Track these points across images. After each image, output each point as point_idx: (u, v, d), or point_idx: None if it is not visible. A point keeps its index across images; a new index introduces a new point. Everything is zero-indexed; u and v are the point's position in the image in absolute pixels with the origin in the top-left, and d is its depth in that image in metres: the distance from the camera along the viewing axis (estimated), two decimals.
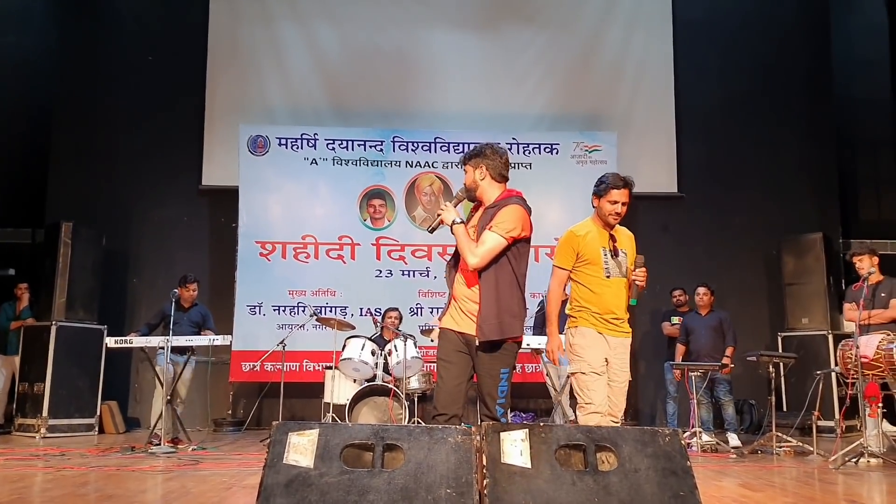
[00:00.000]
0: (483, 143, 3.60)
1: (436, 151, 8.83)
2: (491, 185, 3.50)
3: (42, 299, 7.82)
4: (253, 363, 8.14)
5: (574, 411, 4.40)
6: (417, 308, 8.47)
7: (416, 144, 8.87)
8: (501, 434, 2.60)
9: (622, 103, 9.37)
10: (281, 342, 7.15)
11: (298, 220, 8.71)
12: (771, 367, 6.41)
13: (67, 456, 5.76)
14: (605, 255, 3.72)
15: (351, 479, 2.48)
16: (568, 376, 6.66)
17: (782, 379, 7.83)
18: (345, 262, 8.65)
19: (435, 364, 3.56)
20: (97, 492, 4.17)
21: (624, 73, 9.41)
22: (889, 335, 5.57)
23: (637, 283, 3.70)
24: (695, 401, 6.61)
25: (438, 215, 3.50)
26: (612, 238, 3.77)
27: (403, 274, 8.58)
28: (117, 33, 9.30)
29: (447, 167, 8.75)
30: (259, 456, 5.61)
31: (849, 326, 7.29)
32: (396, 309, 7.46)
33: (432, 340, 6.74)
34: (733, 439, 6.65)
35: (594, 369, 3.66)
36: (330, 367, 7.02)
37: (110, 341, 6.42)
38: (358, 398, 6.66)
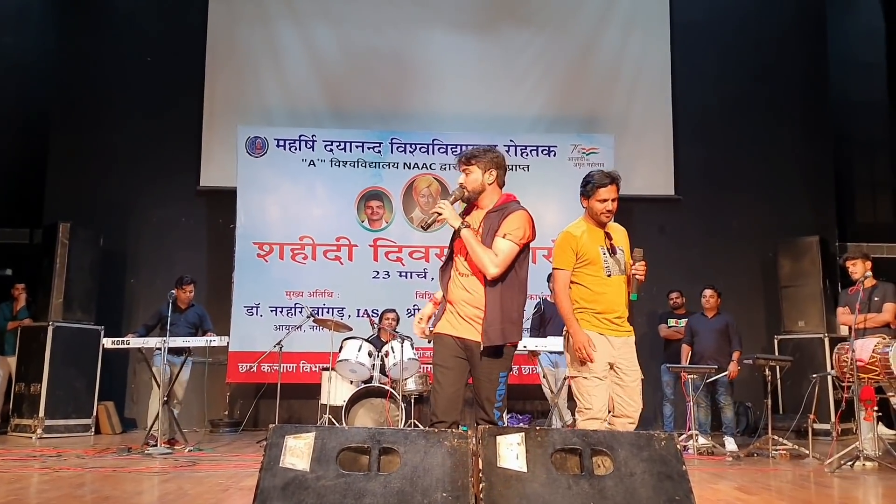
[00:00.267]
0: (488, 146, 3.55)
1: (433, 153, 8.84)
2: (494, 190, 3.50)
3: (39, 300, 7.82)
4: (250, 364, 8.15)
5: (573, 414, 4.40)
6: (415, 309, 8.46)
7: (413, 146, 8.88)
8: (497, 438, 2.61)
9: (619, 105, 9.39)
10: (278, 343, 7.15)
11: (296, 221, 8.71)
12: (767, 369, 6.42)
13: (64, 457, 5.76)
14: (604, 253, 3.68)
15: (347, 483, 2.49)
16: (564, 378, 6.70)
17: (778, 382, 7.84)
18: (342, 264, 8.65)
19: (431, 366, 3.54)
20: (93, 493, 4.17)
21: (621, 76, 9.42)
22: (885, 339, 5.59)
23: (637, 277, 3.66)
24: (691, 403, 6.62)
25: (435, 213, 3.43)
26: (608, 236, 3.73)
27: (401, 275, 8.58)
28: (115, 34, 9.29)
29: (445, 169, 8.76)
30: (256, 457, 5.61)
31: (843, 330, 7.32)
32: (394, 310, 7.47)
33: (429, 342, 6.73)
34: (730, 443, 6.65)
35: (595, 374, 3.59)
36: (327, 369, 7.02)
37: (107, 342, 6.42)
38: (354, 399, 6.67)
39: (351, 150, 8.83)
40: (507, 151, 8.83)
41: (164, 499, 4.06)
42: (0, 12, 9.41)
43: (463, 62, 9.32)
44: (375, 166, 8.83)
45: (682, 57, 9.45)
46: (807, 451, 6.03)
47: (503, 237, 3.34)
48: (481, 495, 2.48)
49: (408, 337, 6.72)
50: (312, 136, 8.83)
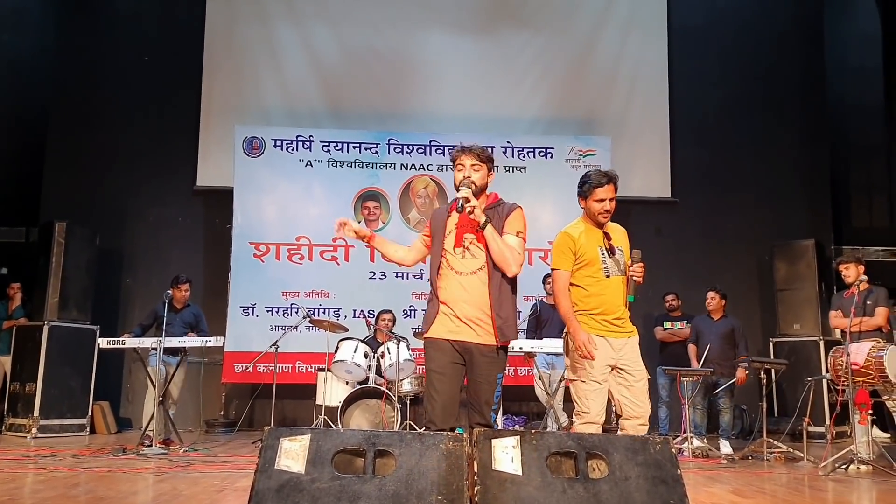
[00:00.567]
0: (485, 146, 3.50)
1: (431, 154, 8.85)
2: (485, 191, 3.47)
3: (35, 299, 7.81)
4: (246, 364, 8.14)
5: (569, 416, 4.39)
6: (411, 310, 8.48)
7: (411, 147, 8.89)
8: (493, 441, 2.61)
9: (617, 108, 9.40)
10: (274, 344, 7.15)
11: (293, 221, 8.71)
12: (762, 372, 6.43)
13: (59, 456, 5.74)
14: (603, 254, 3.63)
15: (342, 485, 2.49)
16: (560, 380, 6.71)
17: (774, 385, 7.86)
18: (338, 264, 8.65)
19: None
20: (88, 493, 4.17)
21: (619, 78, 9.44)
22: (879, 343, 5.62)
23: (634, 278, 3.62)
24: (686, 405, 6.62)
25: (465, 199, 3.25)
26: (607, 236, 3.68)
27: (397, 276, 8.58)
28: (113, 32, 9.28)
29: (442, 170, 8.76)
30: (251, 458, 5.62)
31: (837, 333, 7.33)
32: (390, 311, 7.47)
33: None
34: (725, 446, 6.64)
35: (594, 378, 3.53)
36: (322, 369, 7.02)
37: (103, 342, 6.41)
38: (350, 400, 6.67)
39: (348, 151, 8.83)
40: (505, 153, 8.86)
41: (159, 499, 4.05)
42: None
43: (461, 63, 9.33)
44: (373, 167, 8.83)
45: (680, 60, 9.47)
46: (801, 455, 6.04)
47: (515, 235, 3.32)
48: (476, 498, 2.48)
49: (404, 338, 6.73)
50: (310, 136, 8.83)
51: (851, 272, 6.00)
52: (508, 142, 8.86)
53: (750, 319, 8.92)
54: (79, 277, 7.89)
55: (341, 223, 3.56)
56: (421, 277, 8.57)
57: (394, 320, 7.39)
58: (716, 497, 4.37)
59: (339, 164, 8.78)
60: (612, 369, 3.61)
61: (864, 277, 5.88)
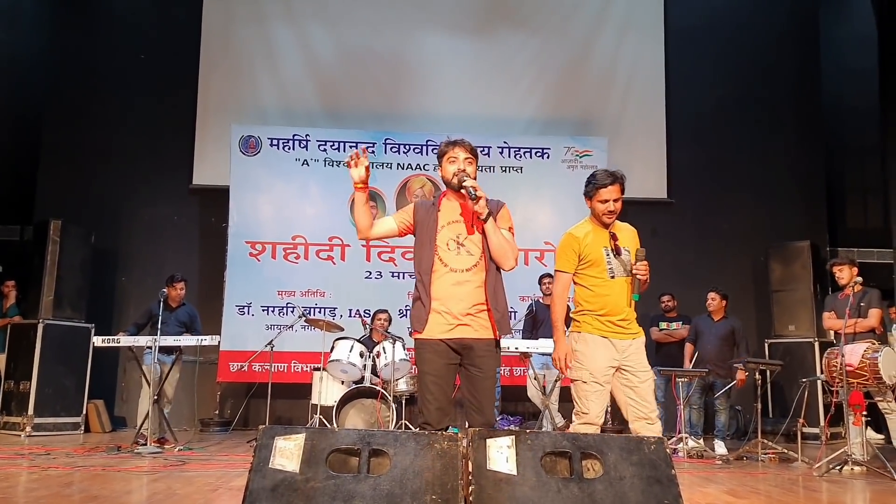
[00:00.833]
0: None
1: (427, 154, 8.84)
2: None
3: (29, 297, 7.79)
4: (241, 363, 8.14)
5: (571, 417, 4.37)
6: (406, 310, 8.44)
7: (407, 147, 8.89)
8: (488, 441, 2.60)
9: (613, 108, 9.42)
10: (269, 343, 7.14)
11: (289, 220, 8.70)
12: (757, 373, 6.44)
13: (53, 455, 5.73)
14: (608, 254, 3.60)
15: (336, 485, 2.48)
16: (556, 380, 6.72)
17: (768, 385, 7.87)
18: (334, 264, 8.65)
19: None
20: (82, 492, 4.15)
21: (615, 79, 9.46)
22: (874, 344, 5.63)
23: (638, 277, 3.57)
24: (681, 406, 6.63)
25: (474, 188, 3.20)
26: (613, 236, 3.64)
27: (393, 276, 8.58)
28: (109, 30, 9.26)
29: (438, 170, 8.73)
30: (245, 457, 5.60)
31: (829, 334, 7.35)
32: (386, 311, 7.46)
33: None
34: (720, 447, 6.66)
35: (595, 379, 3.51)
36: (318, 369, 7.01)
37: (97, 340, 6.40)
38: (345, 400, 6.66)
39: (345, 150, 8.82)
40: (501, 153, 8.86)
41: (153, 498, 4.04)
42: None
43: (458, 64, 9.34)
44: (370, 166, 8.80)
45: (676, 61, 9.49)
46: (796, 455, 6.05)
47: (508, 230, 3.30)
48: (471, 498, 2.48)
49: (399, 338, 6.72)
50: (306, 135, 8.83)
51: (845, 274, 6.02)
52: (505, 142, 8.86)
53: (745, 320, 8.88)
54: (73, 276, 7.87)
55: (358, 156, 3.42)
56: None
57: (389, 320, 7.38)
58: (710, 497, 4.38)
59: (335, 163, 8.77)
60: (616, 371, 3.57)
61: (859, 279, 5.89)
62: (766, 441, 6.31)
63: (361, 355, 6.76)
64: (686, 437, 6.55)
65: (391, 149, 8.86)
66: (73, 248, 7.87)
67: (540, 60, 9.45)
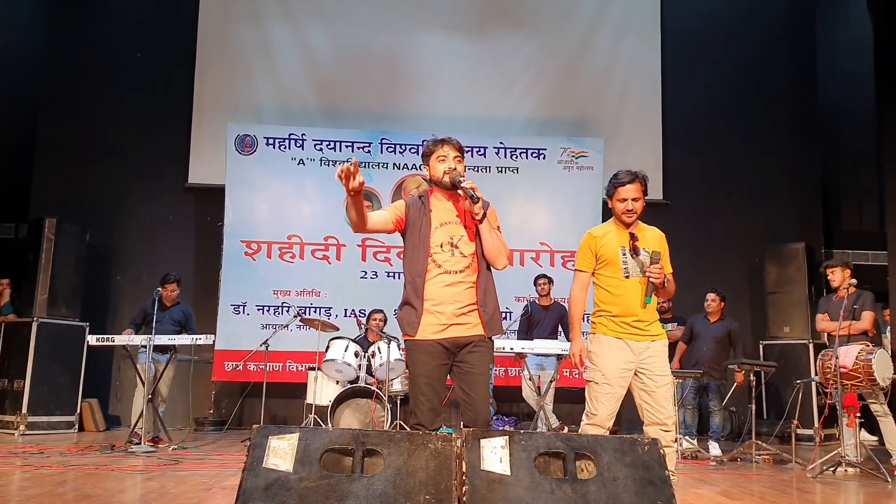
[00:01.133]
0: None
1: None
2: None
3: (24, 295, 7.78)
4: (236, 363, 8.13)
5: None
6: None
7: (403, 146, 8.89)
8: (481, 441, 2.60)
9: (610, 110, 9.43)
10: (264, 342, 7.13)
11: (284, 219, 8.70)
12: (752, 375, 6.46)
13: (46, 454, 5.72)
14: (625, 254, 3.56)
15: (330, 484, 2.48)
16: (550, 381, 6.72)
17: (763, 387, 7.89)
18: (330, 263, 8.64)
19: None
20: (75, 491, 4.15)
21: (612, 80, 9.47)
22: (868, 346, 5.64)
23: (651, 279, 3.51)
24: (676, 406, 6.63)
25: (473, 189, 3.17)
26: (633, 237, 3.58)
27: (389, 276, 8.57)
28: (105, 28, 9.23)
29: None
30: (240, 456, 5.59)
31: (823, 336, 7.36)
32: (381, 311, 7.44)
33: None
34: (714, 448, 6.66)
35: (607, 380, 3.49)
36: (313, 368, 7.00)
37: (92, 339, 6.38)
38: (340, 400, 6.66)
39: (341, 150, 8.82)
40: (497, 153, 8.87)
41: (147, 497, 4.04)
42: None
43: (455, 64, 9.34)
44: (365, 166, 8.80)
45: (673, 63, 9.50)
46: (790, 457, 6.07)
47: (497, 229, 3.29)
48: (464, 498, 2.48)
49: (395, 338, 6.71)
50: (302, 134, 8.82)
51: (837, 276, 6.03)
52: (501, 142, 8.87)
53: (740, 322, 8.91)
54: (68, 274, 7.85)
55: (350, 169, 3.13)
56: None
57: (385, 320, 7.38)
58: (704, 498, 4.39)
59: (331, 162, 8.76)
60: (634, 374, 3.53)
61: (853, 281, 5.90)
62: (760, 442, 6.33)
63: (356, 355, 6.76)
64: (680, 438, 6.56)
65: (387, 148, 8.86)
66: (67, 246, 7.85)
67: (537, 61, 9.46)
